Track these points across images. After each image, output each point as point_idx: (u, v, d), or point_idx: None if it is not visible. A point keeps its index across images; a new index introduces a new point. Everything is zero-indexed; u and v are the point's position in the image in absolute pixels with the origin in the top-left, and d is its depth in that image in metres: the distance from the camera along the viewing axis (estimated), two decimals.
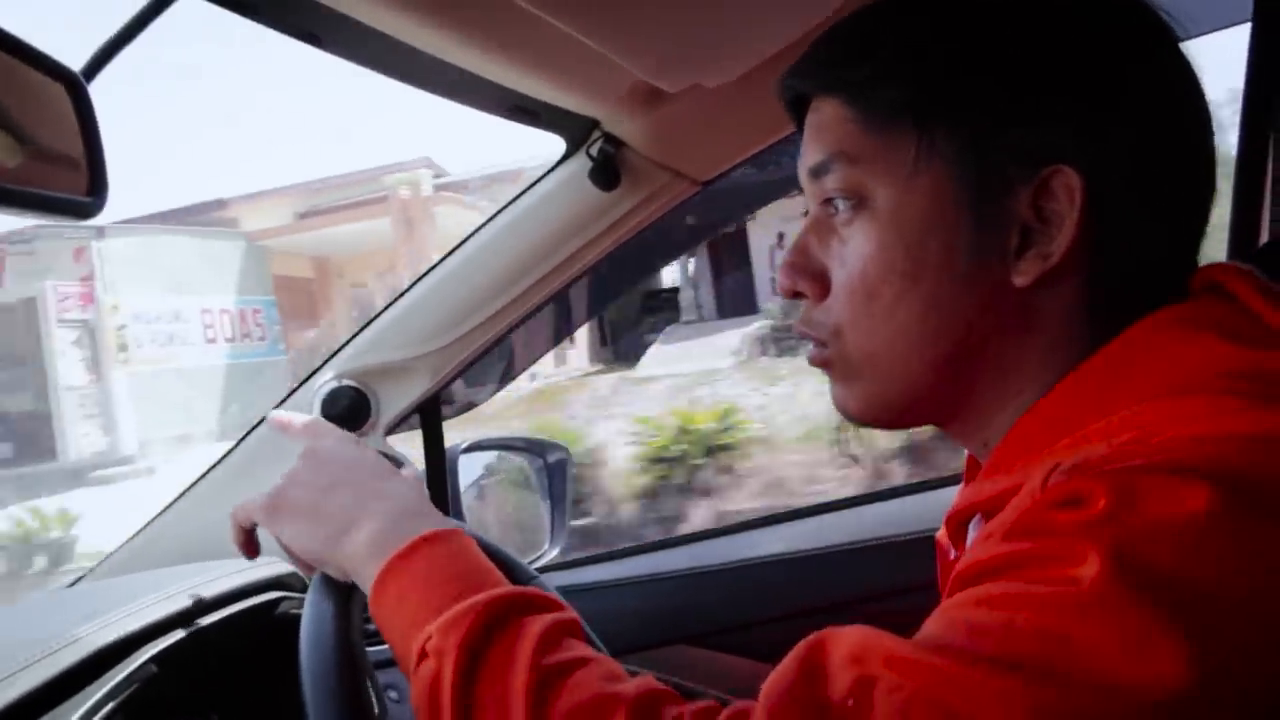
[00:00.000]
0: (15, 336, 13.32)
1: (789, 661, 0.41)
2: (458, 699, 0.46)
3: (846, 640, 0.40)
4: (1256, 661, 0.34)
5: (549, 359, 17.04)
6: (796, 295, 0.55)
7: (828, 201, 0.53)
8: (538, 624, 0.48)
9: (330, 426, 0.70)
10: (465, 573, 0.53)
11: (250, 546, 0.68)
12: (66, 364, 12.55)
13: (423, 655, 0.49)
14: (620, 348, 18.70)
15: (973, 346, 0.50)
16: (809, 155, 0.55)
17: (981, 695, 0.35)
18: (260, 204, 15.50)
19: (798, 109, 0.58)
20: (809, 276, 0.54)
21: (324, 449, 0.65)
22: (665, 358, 13.25)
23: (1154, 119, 0.49)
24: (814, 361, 0.56)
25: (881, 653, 0.38)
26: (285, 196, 15.75)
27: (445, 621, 0.48)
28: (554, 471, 1.30)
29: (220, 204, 15.78)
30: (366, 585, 0.55)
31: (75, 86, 0.55)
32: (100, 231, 12.84)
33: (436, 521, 0.57)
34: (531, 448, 1.33)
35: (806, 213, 0.56)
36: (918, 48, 0.50)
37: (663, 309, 18.51)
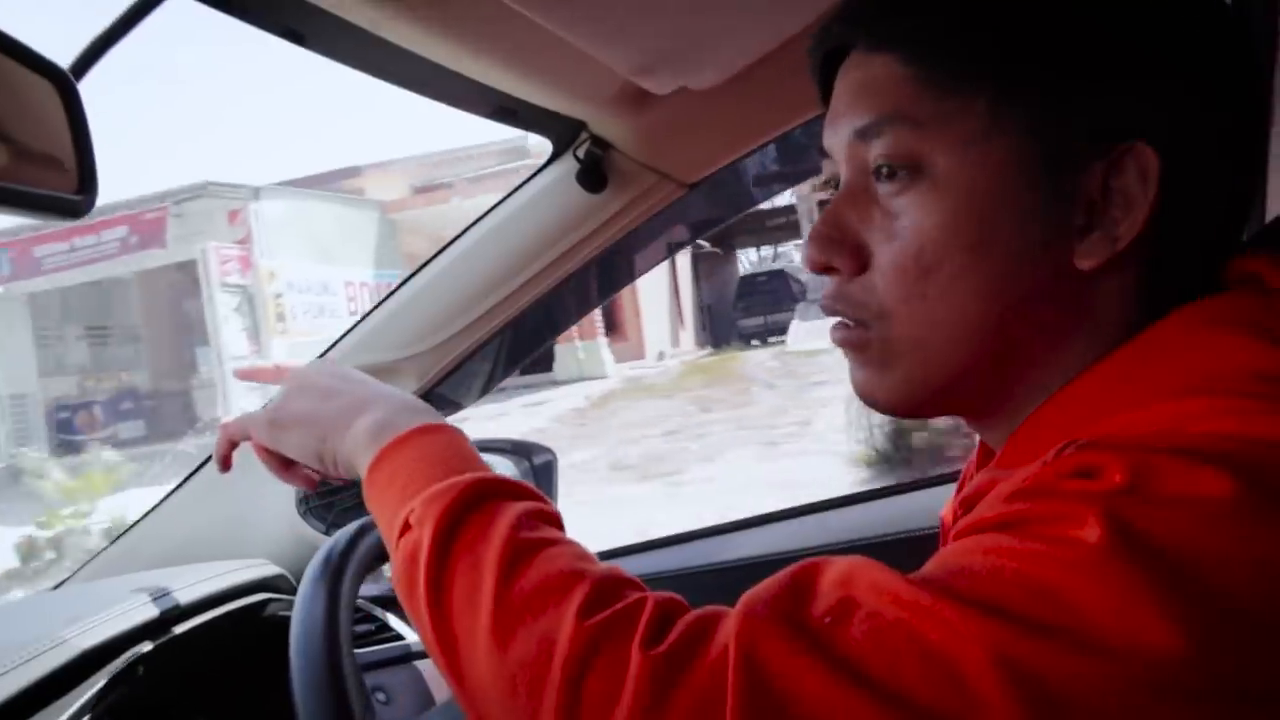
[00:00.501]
0: (174, 302, 12.37)
1: (780, 575, 0.41)
2: (432, 565, 0.46)
3: (839, 565, 0.40)
4: (1248, 653, 0.34)
5: (666, 340, 17.16)
6: (828, 270, 0.51)
7: (873, 168, 0.49)
8: (520, 506, 0.48)
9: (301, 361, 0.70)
10: (454, 457, 0.53)
11: (229, 460, 0.67)
12: (230, 332, 11.77)
13: (405, 528, 0.49)
14: (719, 331, 19.77)
15: (1023, 334, 0.47)
16: (853, 115, 0.49)
17: (957, 634, 0.35)
18: (383, 174, 15.24)
19: (826, 64, 0.52)
20: (845, 250, 0.50)
21: (309, 371, 0.64)
22: (811, 333, 13.44)
23: (1234, 101, 0.46)
24: (846, 342, 0.51)
25: (869, 580, 0.38)
26: (405, 168, 15.49)
27: (429, 494, 0.48)
28: (540, 474, 1.29)
29: (350, 172, 15.46)
30: (363, 472, 0.55)
31: (64, 84, 0.55)
32: (256, 193, 12.06)
33: (434, 417, 0.57)
34: (517, 450, 1.32)
35: (829, 183, 0.53)
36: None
37: (755, 293, 19.37)
